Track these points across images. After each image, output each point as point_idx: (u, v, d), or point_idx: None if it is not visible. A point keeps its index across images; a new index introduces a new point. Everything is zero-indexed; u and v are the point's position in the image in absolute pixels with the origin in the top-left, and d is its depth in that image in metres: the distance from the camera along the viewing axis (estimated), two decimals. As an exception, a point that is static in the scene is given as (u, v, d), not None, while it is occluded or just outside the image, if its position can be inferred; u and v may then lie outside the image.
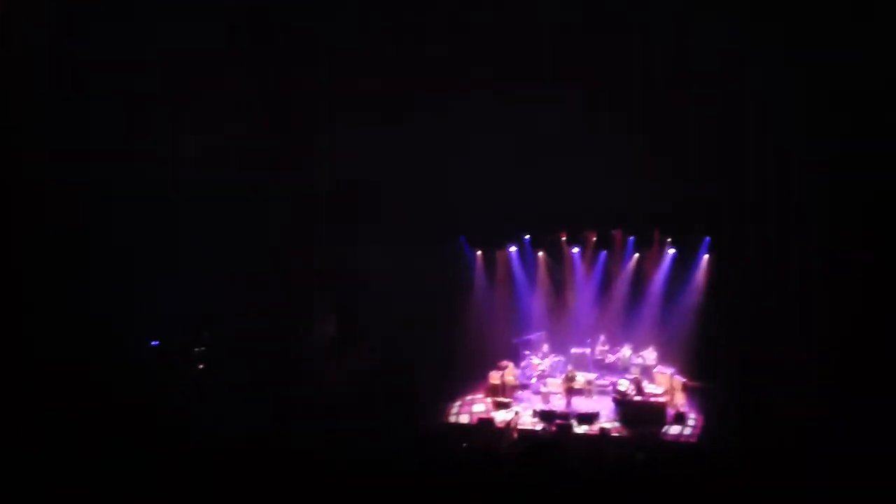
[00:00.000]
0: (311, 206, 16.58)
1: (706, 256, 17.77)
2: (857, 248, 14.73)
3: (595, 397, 16.97)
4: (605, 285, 18.97)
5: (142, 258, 14.13)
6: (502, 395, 16.96)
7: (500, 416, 16.14)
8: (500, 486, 10.58)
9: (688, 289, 17.93)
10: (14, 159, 12.34)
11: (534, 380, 17.54)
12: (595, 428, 15.35)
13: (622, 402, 16.02)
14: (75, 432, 10.39)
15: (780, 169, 14.87)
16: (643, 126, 14.73)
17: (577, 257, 19.10)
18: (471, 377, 17.62)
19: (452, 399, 17.13)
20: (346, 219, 16.77)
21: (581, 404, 16.53)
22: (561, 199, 16.66)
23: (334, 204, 16.50)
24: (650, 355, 17.74)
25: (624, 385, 16.47)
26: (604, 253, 18.89)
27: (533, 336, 18.92)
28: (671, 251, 18.15)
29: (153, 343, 15.38)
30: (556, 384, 17.13)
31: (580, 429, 15.36)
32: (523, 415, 16.23)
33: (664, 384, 16.71)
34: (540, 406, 16.50)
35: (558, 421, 15.59)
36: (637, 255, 18.62)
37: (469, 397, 17.30)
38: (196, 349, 15.79)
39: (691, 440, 14.99)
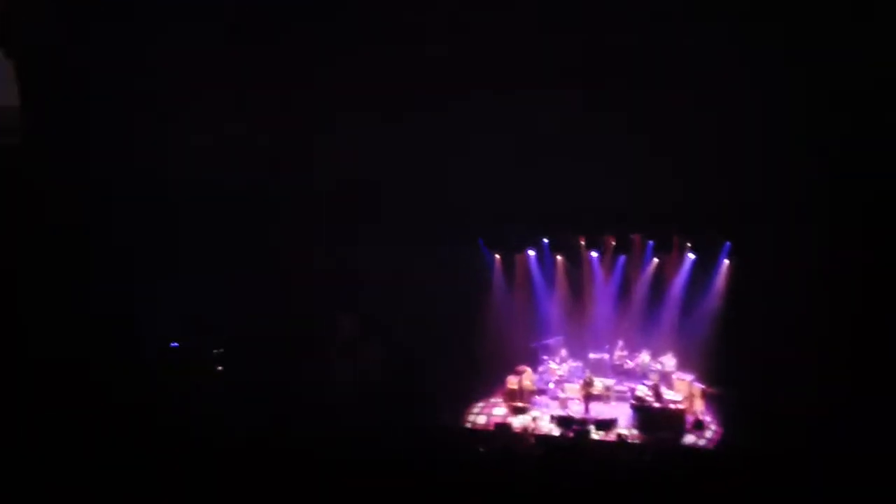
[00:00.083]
0: (325, 206, 16.61)
1: (726, 261, 17.61)
2: (867, 249, 14.60)
3: (613, 403, 16.86)
4: (624, 290, 18.82)
5: (152, 260, 14.21)
6: (520, 399, 16.90)
7: (518, 421, 16.09)
8: (516, 491, 10.56)
9: (708, 294, 17.76)
10: (20, 160, 12.47)
11: (551, 385, 17.47)
12: (613, 434, 15.27)
13: (640, 409, 15.92)
14: (89, 434, 10.45)
15: (797, 170, 14.74)
16: (664, 129, 14.66)
17: (595, 262, 18.99)
18: (488, 381, 17.57)
19: (470, 403, 17.09)
20: (362, 219, 16.78)
21: (599, 410, 16.43)
22: (579, 203, 16.59)
23: (348, 204, 16.51)
24: (669, 361, 17.60)
25: (642, 391, 16.36)
26: (623, 257, 18.76)
27: (551, 341, 18.83)
28: (691, 256, 18.00)
29: (173, 345, 15.51)
30: (573, 389, 17.05)
31: (598, 435, 15.28)
32: (541, 420, 16.16)
33: (683, 390, 16.57)
34: (557, 411, 16.43)
35: (576, 427, 15.52)
36: (656, 259, 18.48)
37: (486, 402, 17.26)
38: (214, 350, 15.87)
39: (710, 447, 14.86)
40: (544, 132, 15.03)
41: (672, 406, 15.93)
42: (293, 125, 15.75)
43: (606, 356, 18.45)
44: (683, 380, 16.86)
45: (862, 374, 13.71)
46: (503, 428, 15.81)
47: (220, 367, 15.88)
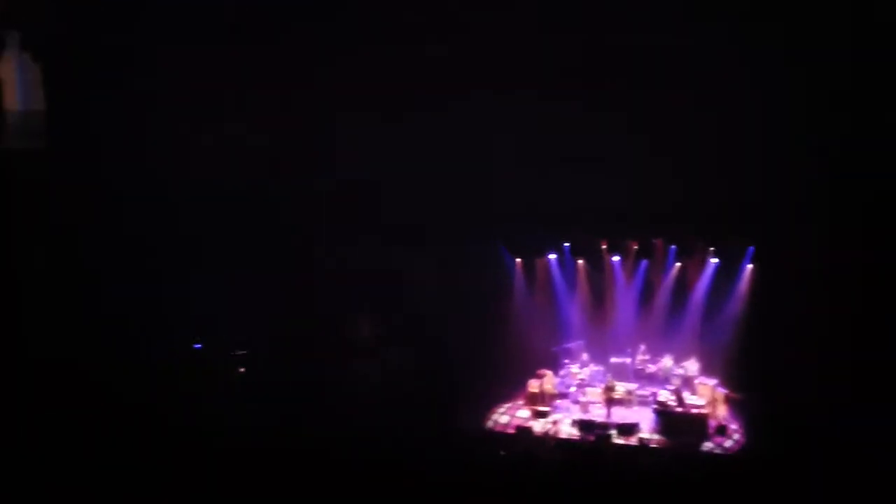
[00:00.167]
0: (349, 206, 16.67)
1: (749, 266, 17.48)
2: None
3: (635, 407, 16.76)
4: (646, 294, 18.74)
5: (174, 261, 14.31)
6: (541, 403, 16.84)
7: (539, 425, 16.05)
8: (537, 494, 10.53)
9: (731, 298, 17.64)
10: (44, 162, 12.63)
11: (573, 389, 17.40)
12: (634, 438, 15.18)
13: (663, 413, 15.81)
14: (110, 435, 10.53)
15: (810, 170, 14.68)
16: (686, 132, 14.61)
17: (617, 266, 18.92)
18: (510, 385, 17.52)
19: (491, 407, 17.06)
20: (384, 222, 16.83)
21: (621, 414, 16.35)
22: (600, 207, 16.57)
23: (371, 206, 16.57)
24: (692, 366, 17.47)
25: (665, 395, 16.26)
26: (645, 262, 18.68)
27: (572, 345, 18.77)
28: (714, 260, 17.88)
29: (196, 346, 15.64)
30: (595, 393, 16.97)
31: (619, 439, 15.20)
32: (562, 424, 16.11)
33: (706, 395, 16.43)
34: (579, 415, 16.36)
35: (597, 430, 15.45)
36: (679, 264, 18.39)
37: (508, 405, 17.23)
38: (236, 352, 15.97)
39: (732, 452, 14.75)
40: (563, 134, 15.02)
41: (695, 411, 15.81)
42: (309, 126, 15.87)
43: (628, 360, 18.35)
44: (706, 384, 16.73)
45: (887, 379, 13.54)
46: (524, 431, 15.77)
47: (242, 369, 15.97)
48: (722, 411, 16.29)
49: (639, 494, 10.94)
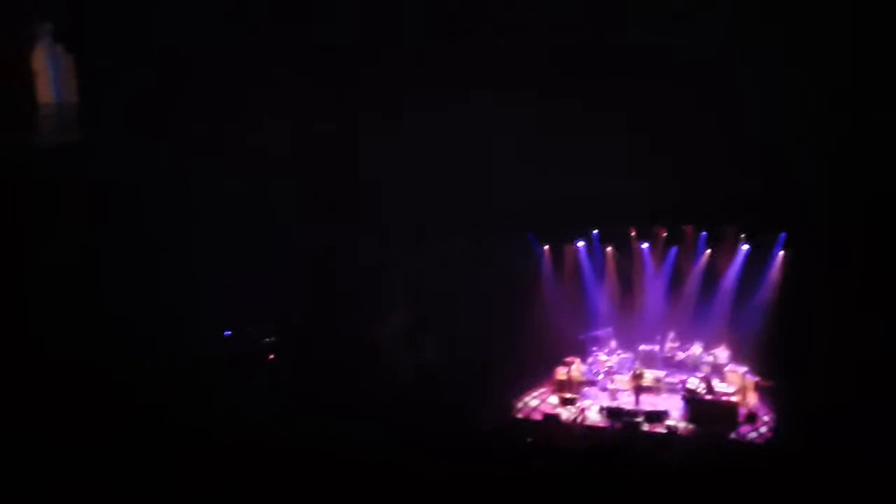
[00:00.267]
0: (375, 200, 16.74)
1: (781, 252, 17.27)
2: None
3: (664, 395, 16.68)
4: (676, 281, 18.62)
5: (205, 253, 14.44)
6: (569, 391, 16.82)
7: (567, 413, 16.04)
8: (564, 482, 10.54)
9: (762, 285, 17.45)
10: (79, 157, 12.80)
11: (601, 376, 17.35)
12: (663, 426, 15.12)
13: (692, 401, 15.72)
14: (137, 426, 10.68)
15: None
16: (712, 119, 14.49)
17: (646, 253, 18.81)
18: (537, 373, 17.54)
19: (518, 394, 17.09)
20: (411, 213, 16.87)
21: (650, 402, 16.28)
22: (629, 194, 16.47)
23: (397, 197, 16.61)
24: (722, 353, 17.34)
25: (694, 383, 16.16)
26: (674, 248, 18.54)
27: (600, 332, 18.71)
28: (744, 247, 17.70)
29: (226, 333, 15.82)
30: (623, 381, 16.92)
31: (647, 426, 15.15)
32: (590, 411, 16.09)
33: (736, 383, 16.30)
34: (607, 403, 16.33)
35: (625, 418, 15.41)
36: (709, 250, 18.22)
37: (535, 393, 17.24)
38: (266, 339, 16.13)
39: (763, 440, 14.64)
40: (588, 120, 14.96)
41: (724, 398, 15.70)
42: (341, 123, 15.99)
43: (657, 348, 18.26)
44: (736, 372, 16.59)
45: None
46: (551, 419, 15.78)
47: (271, 356, 16.15)
48: (752, 399, 16.15)
49: (667, 482, 10.90)
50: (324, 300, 16.85)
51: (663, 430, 15.03)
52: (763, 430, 15.15)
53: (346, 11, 14.50)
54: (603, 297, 19.13)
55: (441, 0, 14.33)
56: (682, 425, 15.24)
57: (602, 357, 17.88)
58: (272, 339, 16.20)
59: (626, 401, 16.39)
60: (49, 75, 12.69)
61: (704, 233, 18.19)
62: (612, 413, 15.72)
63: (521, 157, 16.13)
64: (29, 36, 12.46)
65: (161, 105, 13.60)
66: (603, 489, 10.28)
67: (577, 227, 18.79)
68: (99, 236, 12.87)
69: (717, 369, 17.02)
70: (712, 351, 17.51)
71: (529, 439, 14.32)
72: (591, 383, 17.26)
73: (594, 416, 15.90)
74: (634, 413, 15.64)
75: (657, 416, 15.36)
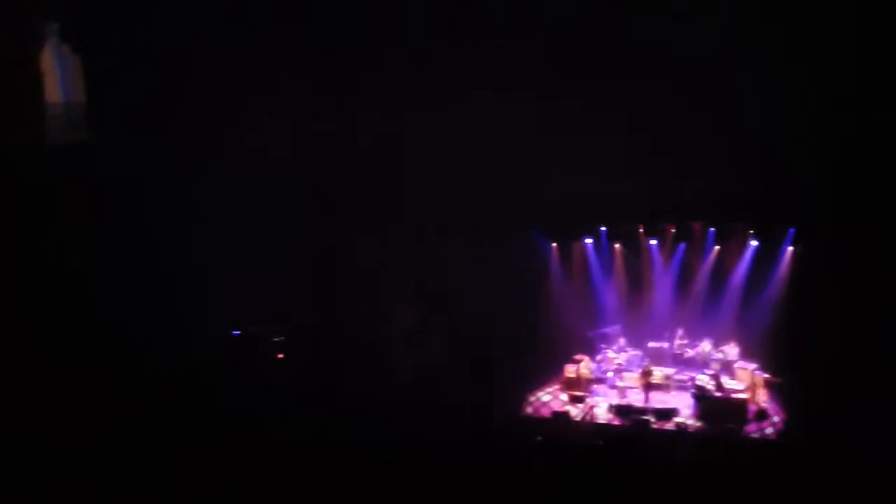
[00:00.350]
0: (381, 197, 16.72)
1: (790, 248, 17.19)
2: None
3: (674, 393, 16.64)
4: (685, 278, 18.55)
5: (212, 252, 14.45)
6: (577, 388, 16.80)
7: (575, 410, 16.01)
8: (573, 480, 10.52)
9: (771, 281, 17.37)
10: (87, 157, 12.81)
11: (610, 374, 17.33)
12: (672, 424, 15.08)
13: (701, 398, 15.67)
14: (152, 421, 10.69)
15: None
16: (735, 111, 14.44)
17: (655, 249, 18.74)
18: (546, 371, 17.51)
19: (527, 392, 17.06)
20: (417, 210, 16.84)
21: (659, 399, 16.23)
22: (637, 191, 16.41)
23: (404, 195, 16.59)
24: (731, 350, 17.28)
25: (703, 380, 16.10)
26: (683, 245, 18.47)
27: (609, 329, 18.67)
28: (753, 243, 17.62)
29: (234, 333, 15.84)
30: (632, 378, 16.88)
31: (657, 424, 15.11)
32: (599, 409, 16.05)
33: (746, 380, 16.25)
34: (616, 400, 16.29)
35: (634, 416, 15.38)
36: (718, 247, 18.15)
37: (544, 391, 17.21)
38: (275, 339, 16.15)
39: (773, 437, 14.58)
40: (596, 116, 14.93)
41: (734, 396, 15.65)
42: (343, 122, 16.00)
43: (666, 345, 18.21)
44: (746, 369, 16.54)
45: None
46: (560, 417, 15.75)
47: (280, 355, 16.16)
48: (762, 396, 16.09)
49: (676, 480, 10.87)
50: (326, 300, 16.85)
51: (673, 428, 15.00)
52: (773, 427, 15.09)
53: (346, 11, 14.49)
54: (611, 295, 19.08)
55: (441, 0, 14.33)
56: (691, 423, 15.20)
57: (611, 354, 17.85)
58: (280, 338, 16.20)
59: (636, 398, 16.36)
60: (57, 75, 12.71)
61: (713, 229, 18.12)
62: (622, 410, 15.70)
63: (525, 157, 16.09)
64: (36, 36, 12.49)
65: (162, 105, 13.62)
66: (612, 487, 10.25)
67: (584, 225, 18.72)
68: (100, 236, 12.88)
69: (727, 366, 16.97)
70: (722, 348, 17.46)
71: (538, 437, 14.29)
72: (600, 381, 17.24)
73: (603, 414, 15.87)
74: (643, 410, 15.62)
75: (666, 414, 15.33)
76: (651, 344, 18.19)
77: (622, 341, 18.32)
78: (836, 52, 13.15)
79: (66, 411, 10.54)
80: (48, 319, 11.57)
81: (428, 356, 17.28)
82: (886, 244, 14.50)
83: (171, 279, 13.86)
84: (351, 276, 17.17)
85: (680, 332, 18.31)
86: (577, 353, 17.57)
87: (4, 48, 11.76)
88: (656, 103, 14.60)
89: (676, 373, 17.13)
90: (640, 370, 16.84)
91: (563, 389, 17.00)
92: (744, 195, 16.06)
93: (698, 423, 15.19)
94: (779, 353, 16.17)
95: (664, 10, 13.60)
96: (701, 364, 17.46)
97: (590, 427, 15.27)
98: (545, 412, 16.34)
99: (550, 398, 16.96)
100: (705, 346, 17.76)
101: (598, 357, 17.93)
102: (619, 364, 17.49)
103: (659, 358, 17.78)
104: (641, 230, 18.65)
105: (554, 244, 19.03)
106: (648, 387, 16.36)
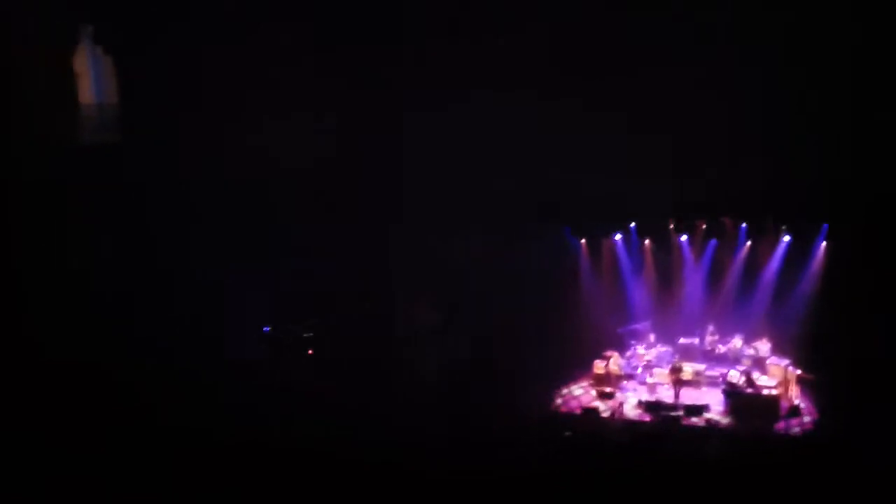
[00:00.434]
0: (413, 194, 16.79)
1: (824, 244, 16.96)
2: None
3: (704, 389, 16.49)
4: (715, 274, 18.38)
5: (241, 249, 14.58)
6: (607, 384, 16.72)
7: (605, 406, 15.96)
8: (603, 475, 10.52)
9: (804, 277, 17.16)
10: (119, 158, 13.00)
11: (639, 370, 17.23)
12: (703, 420, 14.97)
13: (733, 394, 15.53)
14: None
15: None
16: (768, 105, 14.32)
17: (685, 245, 18.60)
18: (575, 366, 17.46)
19: (556, 388, 17.03)
20: (447, 206, 16.88)
21: (690, 396, 16.11)
22: (668, 186, 16.33)
23: (436, 191, 16.64)
24: (763, 346, 17.09)
25: (734, 376, 15.95)
26: (714, 241, 18.31)
27: (639, 326, 18.56)
28: (786, 238, 17.41)
29: (265, 329, 16.01)
30: (662, 375, 16.77)
31: (688, 420, 15.01)
32: (628, 405, 15.98)
33: (778, 376, 16.06)
34: (645, 396, 16.21)
35: (664, 412, 15.29)
36: (749, 242, 17.96)
37: (573, 387, 17.17)
38: (305, 335, 16.29)
39: (805, 434, 14.41)
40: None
41: (766, 392, 15.48)
42: (383, 117, 16.09)
43: (697, 341, 18.07)
44: (778, 365, 16.35)
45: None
46: (590, 413, 15.71)
47: (310, 351, 16.31)
48: (794, 392, 15.91)
49: (707, 476, 10.82)
50: (358, 294, 16.96)
51: (703, 424, 14.88)
52: (805, 423, 14.91)
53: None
54: (641, 291, 18.95)
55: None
56: (722, 419, 15.08)
57: (641, 351, 17.74)
58: (310, 334, 16.35)
59: (666, 395, 16.25)
60: (90, 77, 12.93)
61: (744, 225, 17.93)
62: (651, 407, 15.60)
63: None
64: (71, 37, 12.70)
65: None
66: (642, 482, 10.23)
67: (614, 221, 18.63)
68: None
69: (759, 362, 16.79)
70: (753, 344, 17.28)
71: (568, 433, 14.29)
72: (630, 377, 17.14)
73: (633, 410, 15.79)
74: (674, 407, 15.50)
75: (697, 410, 15.21)
76: (681, 340, 18.05)
77: (652, 337, 18.20)
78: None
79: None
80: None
81: (456, 352, 17.32)
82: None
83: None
84: (377, 275, 17.28)
85: (710, 328, 18.15)
86: (606, 350, 17.50)
87: (39, 49, 11.97)
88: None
89: (707, 369, 16.98)
90: (670, 366, 16.73)
91: (592, 386, 16.94)
92: (775, 190, 15.92)
93: (729, 420, 15.06)
94: (812, 349, 15.98)
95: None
96: (732, 360, 17.29)
97: (619, 423, 15.20)
98: (574, 405, 16.29)
99: (582, 392, 16.90)
100: (737, 342, 17.58)
101: (628, 353, 17.83)
102: (649, 360, 17.38)
103: (689, 354, 17.65)
104: (671, 226, 18.52)
105: (583, 241, 18.95)
106: (678, 383, 16.23)
